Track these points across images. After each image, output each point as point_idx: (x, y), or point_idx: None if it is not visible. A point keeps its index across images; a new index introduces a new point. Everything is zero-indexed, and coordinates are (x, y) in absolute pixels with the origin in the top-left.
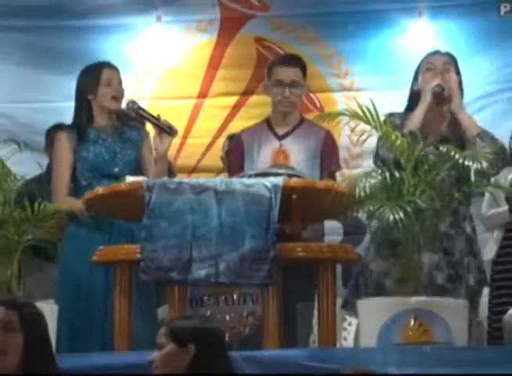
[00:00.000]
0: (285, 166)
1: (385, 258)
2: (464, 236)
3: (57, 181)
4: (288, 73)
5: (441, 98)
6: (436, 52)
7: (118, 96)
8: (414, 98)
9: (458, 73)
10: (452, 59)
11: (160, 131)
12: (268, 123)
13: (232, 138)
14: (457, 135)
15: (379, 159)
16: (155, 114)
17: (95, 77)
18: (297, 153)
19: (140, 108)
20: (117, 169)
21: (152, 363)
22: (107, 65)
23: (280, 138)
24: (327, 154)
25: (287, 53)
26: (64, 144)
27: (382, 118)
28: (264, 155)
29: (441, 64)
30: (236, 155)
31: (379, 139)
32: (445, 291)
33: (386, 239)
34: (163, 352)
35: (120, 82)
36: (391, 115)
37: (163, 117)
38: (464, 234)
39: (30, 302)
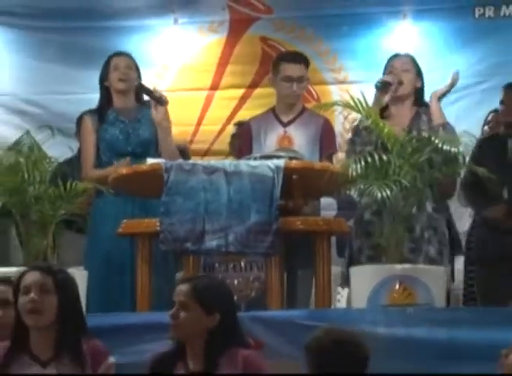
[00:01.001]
0: (287, 149)
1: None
2: (425, 214)
3: (84, 156)
4: (295, 69)
5: (386, 91)
6: (396, 56)
7: (124, 78)
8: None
9: (418, 71)
10: (411, 60)
11: (155, 103)
12: (273, 112)
13: (239, 124)
14: (418, 128)
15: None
16: (151, 88)
17: (107, 65)
18: (300, 138)
19: (139, 83)
20: (130, 148)
21: (174, 319)
22: (116, 54)
23: (285, 125)
24: (326, 139)
25: (293, 51)
26: (87, 125)
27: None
28: (270, 140)
29: (399, 66)
30: (245, 140)
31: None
32: (408, 261)
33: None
34: (190, 315)
35: (128, 66)
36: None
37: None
38: (425, 212)
39: (63, 269)
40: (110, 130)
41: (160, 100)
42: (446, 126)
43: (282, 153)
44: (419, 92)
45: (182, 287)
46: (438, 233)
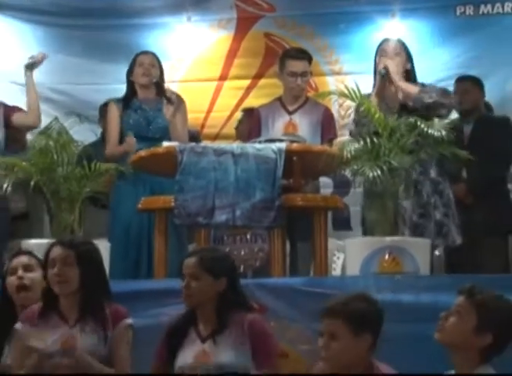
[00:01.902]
0: (292, 135)
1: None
2: (429, 181)
3: (109, 136)
4: (300, 65)
5: (389, 77)
6: (386, 40)
7: (147, 73)
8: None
9: (409, 56)
10: (401, 44)
11: (167, 102)
12: (280, 101)
13: (245, 110)
14: (421, 106)
15: (360, 124)
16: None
17: (133, 62)
18: (304, 125)
19: (157, 82)
20: (150, 134)
21: (187, 289)
22: (142, 52)
23: (290, 113)
24: (326, 126)
25: (298, 48)
26: (113, 110)
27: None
28: (277, 126)
29: (392, 50)
30: (254, 125)
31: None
32: (418, 226)
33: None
34: (200, 283)
35: (151, 64)
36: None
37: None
38: (429, 179)
39: (87, 241)
40: (134, 116)
41: (170, 100)
42: (423, 89)
43: (284, 137)
44: (409, 74)
45: (190, 260)
46: (443, 197)
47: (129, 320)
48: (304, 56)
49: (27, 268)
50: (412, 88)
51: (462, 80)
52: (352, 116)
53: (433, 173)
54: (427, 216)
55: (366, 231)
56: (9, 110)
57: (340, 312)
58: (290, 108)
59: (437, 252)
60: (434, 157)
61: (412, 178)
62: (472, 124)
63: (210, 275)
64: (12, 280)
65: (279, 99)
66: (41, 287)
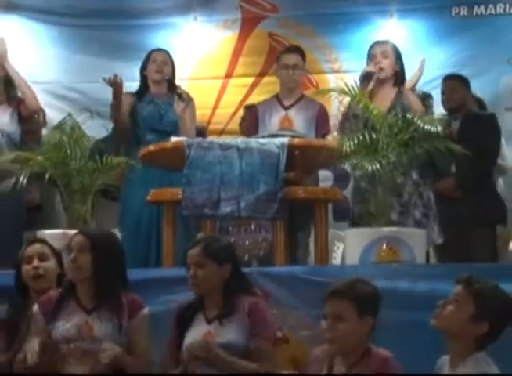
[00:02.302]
0: (289, 129)
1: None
2: (412, 181)
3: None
4: (292, 58)
5: (369, 79)
6: (376, 43)
7: (159, 70)
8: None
9: (399, 57)
10: (390, 46)
11: (178, 98)
12: (277, 97)
13: (246, 107)
14: (401, 103)
15: (351, 116)
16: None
17: (147, 59)
18: (299, 120)
19: (169, 79)
20: (161, 127)
21: (194, 278)
22: (156, 49)
23: (286, 108)
24: (321, 122)
25: (291, 44)
26: (125, 100)
27: None
28: (274, 121)
29: (379, 52)
30: (252, 122)
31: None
32: (398, 223)
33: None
34: (206, 271)
35: (164, 61)
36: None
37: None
38: (412, 180)
39: (106, 232)
40: (147, 108)
41: (181, 96)
42: (429, 109)
43: (287, 133)
44: (399, 75)
45: (194, 250)
46: (423, 198)
47: (146, 310)
48: (295, 50)
49: (42, 257)
50: (419, 107)
51: (449, 78)
52: (343, 110)
53: (415, 175)
54: (407, 214)
55: (354, 224)
56: (20, 102)
57: (347, 294)
58: (286, 103)
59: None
60: (417, 159)
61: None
62: (459, 120)
63: (214, 262)
64: (27, 269)
65: (276, 95)
66: (55, 275)
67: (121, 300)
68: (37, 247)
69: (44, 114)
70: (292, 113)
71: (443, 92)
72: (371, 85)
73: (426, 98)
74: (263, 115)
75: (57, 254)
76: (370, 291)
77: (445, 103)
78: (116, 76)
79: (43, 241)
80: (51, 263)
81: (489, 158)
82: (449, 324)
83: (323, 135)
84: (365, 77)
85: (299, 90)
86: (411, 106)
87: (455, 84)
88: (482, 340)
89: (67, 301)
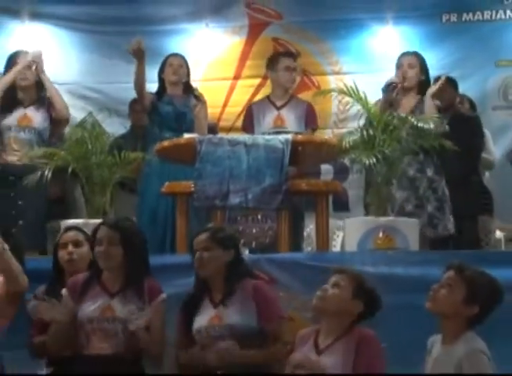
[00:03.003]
0: (280, 127)
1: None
2: (426, 178)
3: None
4: (291, 61)
5: (392, 89)
6: (404, 54)
7: (176, 73)
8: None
9: (424, 68)
10: (416, 57)
11: (196, 99)
12: (268, 98)
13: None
14: (420, 111)
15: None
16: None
17: (164, 63)
18: (290, 118)
19: (186, 81)
20: (177, 125)
21: (199, 260)
22: (172, 54)
23: (278, 108)
24: (309, 118)
25: (288, 50)
26: (148, 97)
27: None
28: (267, 120)
29: (406, 63)
30: (248, 120)
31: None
32: (413, 214)
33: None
34: (212, 254)
35: (180, 64)
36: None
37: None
38: (426, 176)
39: (130, 224)
40: (166, 108)
41: (198, 98)
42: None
43: (289, 130)
44: (423, 84)
45: (202, 236)
46: (438, 193)
47: (164, 296)
48: (292, 54)
49: (76, 243)
50: (432, 110)
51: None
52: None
53: (429, 172)
54: (421, 207)
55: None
56: (51, 105)
57: (348, 271)
58: (278, 104)
59: None
60: (431, 158)
61: (410, 175)
62: (447, 120)
63: (220, 247)
64: (63, 254)
65: (268, 97)
66: (88, 260)
67: (143, 285)
68: (72, 234)
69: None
70: (284, 112)
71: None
72: (394, 94)
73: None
74: (257, 115)
75: (90, 241)
76: (371, 284)
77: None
78: (138, 42)
79: (78, 229)
80: (84, 249)
81: (474, 156)
82: (443, 307)
83: (312, 130)
84: (389, 87)
85: (292, 89)
86: (426, 110)
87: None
88: (472, 320)
89: (93, 285)
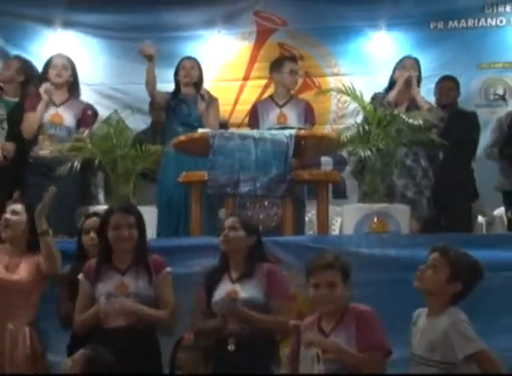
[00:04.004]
0: (282, 124)
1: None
2: (420, 167)
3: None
4: (294, 65)
5: (409, 83)
6: (407, 57)
7: (188, 75)
8: (392, 83)
9: (419, 71)
10: (416, 62)
11: (201, 99)
12: (271, 98)
13: None
14: (415, 106)
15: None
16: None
17: (178, 65)
18: (291, 115)
19: (196, 82)
20: (189, 121)
21: (226, 236)
22: (186, 57)
23: (280, 106)
24: (308, 115)
25: (291, 55)
26: (163, 97)
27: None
28: (271, 117)
29: (409, 65)
30: (254, 118)
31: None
32: (414, 200)
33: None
34: (237, 234)
35: (192, 66)
36: (377, 93)
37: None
38: (421, 166)
39: (137, 208)
40: (181, 106)
41: (202, 97)
42: (430, 108)
43: (292, 126)
44: (419, 82)
45: (231, 218)
46: (430, 180)
47: (169, 268)
48: (295, 59)
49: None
50: (424, 105)
51: (448, 79)
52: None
53: (423, 162)
54: (421, 194)
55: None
56: (87, 111)
57: (336, 265)
58: (280, 102)
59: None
60: (423, 149)
61: (407, 165)
62: (447, 116)
63: (245, 231)
64: (86, 239)
65: (271, 96)
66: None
67: (148, 261)
68: (94, 220)
69: (96, 114)
70: (286, 110)
71: (440, 89)
72: (394, 92)
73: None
74: (262, 112)
75: (101, 227)
76: (347, 262)
77: (441, 98)
78: (148, 46)
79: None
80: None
81: (470, 148)
82: (429, 285)
83: (310, 125)
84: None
85: (294, 90)
86: (421, 104)
87: (452, 84)
88: (456, 297)
89: (104, 266)
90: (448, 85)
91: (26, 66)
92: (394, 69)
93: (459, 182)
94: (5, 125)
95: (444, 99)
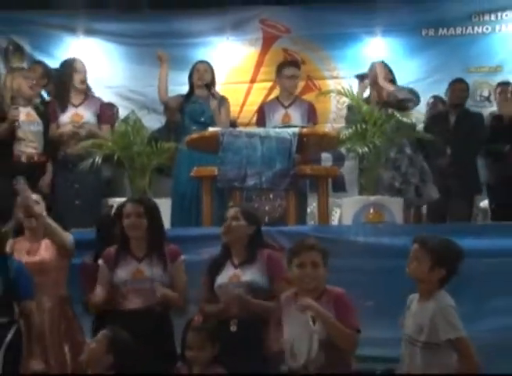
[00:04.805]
0: (287, 123)
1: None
2: (406, 156)
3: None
4: (291, 70)
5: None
6: (374, 62)
7: (201, 77)
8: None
9: (390, 70)
10: (382, 63)
11: (212, 97)
12: (277, 99)
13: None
14: (394, 100)
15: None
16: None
17: (192, 69)
18: (295, 115)
19: (207, 84)
20: (201, 119)
21: (227, 226)
22: (199, 61)
23: (285, 107)
24: (311, 115)
25: (292, 60)
26: (177, 99)
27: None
28: (277, 117)
29: (377, 66)
30: (261, 117)
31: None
32: (401, 190)
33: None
34: (238, 223)
35: (205, 70)
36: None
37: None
38: (406, 155)
39: (150, 199)
40: (193, 106)
41: (214, 95)
42: (396, 88)
43: (296, 124)
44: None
45: (233, 209)
46: (418, 167)
47: (183, 257)
48: (294, 63)
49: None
50: (389, 87)
51: (461, 81)
52: (345, 111)
53: (408, 150)
54: (407, 183)
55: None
56: (104, 107)
57: (319, 247)
58: (285, 103)
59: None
60: (409, 139)
61: (391, 157)
62: (456, 115)
63: (245, 221)
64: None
65: (277, 97)
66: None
67: (164, 250)
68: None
69: (117, 110)
70: (290, 110)
71: (453, 90)
72: (366, 83)
73: (411, 92)
74: (268, 113)
75: (118, 218)
76: (454, 252)
77: (453, 98)
78: (162, 55)
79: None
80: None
81: (476, 145)
82: (416, 275)
83: (314, 124)
84: (361, 78)
85: (295, 93)
86: (385, 89)
87: (464, 86)
88: (442, 281)
89: (123, 254)
90: (461, 87)
91: (47, 70)
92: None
93: (463, 176)
94: (39, 126)
95: (456, 100)
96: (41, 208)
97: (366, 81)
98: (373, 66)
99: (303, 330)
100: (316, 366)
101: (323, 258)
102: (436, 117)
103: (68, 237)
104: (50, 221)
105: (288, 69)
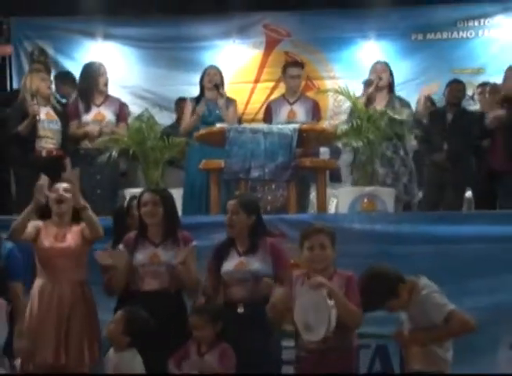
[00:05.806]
0: (291, 120)
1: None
2: (399, 156)
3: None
4: (294, 70)
5: (369, 85)
6: (377, 62)
7: (211, 81)
8: (367, 84)
9: (390, 72)
10: (386, 65)
11: (219, 96)
12: (283, 96)
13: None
14: (392, 106)
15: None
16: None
17: (203, 73)
18: (300, 112)
19: (216, 84)
20: (211, 119)
21: (229, 221)
22: (209, 66)
23: (291, 104)
24: (315, 112)
25: (295, 60)
26: (187, 105)
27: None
28: (282, 113)
29: (379, 68)
30: (268, 114)
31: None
32: (392, 186)
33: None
34: (238, 216)
35: (214, 73)
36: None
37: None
38: (399, 155)
39: (166, 189)
40: (202, 107)
41: (221, 95)
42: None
43: (297, 121)
44: (391, 85)
45: (232, 201)
46: (408, 168)
47: (194, 243)
48: (298, 64)
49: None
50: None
51: (458, 82)
52: (344, 109)
53: (401, 152)
54: (397, 180)
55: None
56: (122, 106)
57: (326, 230)
58: (291, 100)
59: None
60: (402, 140)
61: (387, 155)
62: (453, 113)
63: (244, 212)
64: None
65: (283, 95)
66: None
67: (178, 236)
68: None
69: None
70: (295, 107)
71: (450, 90)
72: (371, 89)
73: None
74: (275, 109)
75: (138, 207)
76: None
77: (450, 97)
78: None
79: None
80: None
81: (471, 142)
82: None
83: (318, 120)
84: (367, 83)
85: (299, 91)
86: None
87: (461, 86)
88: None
89: (141, 239)
90: (458, 87)
91: (74, 80)
92: (370, 72)
93: (458, 171)
94: (57, 124)
95: (453, 99)
96: (70, 196)
97: (371, 88)
98: (375, 65)
99: (321, 305)
100: (329, 340)
101: (331, 241)
102: (435, 114)
103: (101, 230)
104: (91, 213)
105: (293, 69)
